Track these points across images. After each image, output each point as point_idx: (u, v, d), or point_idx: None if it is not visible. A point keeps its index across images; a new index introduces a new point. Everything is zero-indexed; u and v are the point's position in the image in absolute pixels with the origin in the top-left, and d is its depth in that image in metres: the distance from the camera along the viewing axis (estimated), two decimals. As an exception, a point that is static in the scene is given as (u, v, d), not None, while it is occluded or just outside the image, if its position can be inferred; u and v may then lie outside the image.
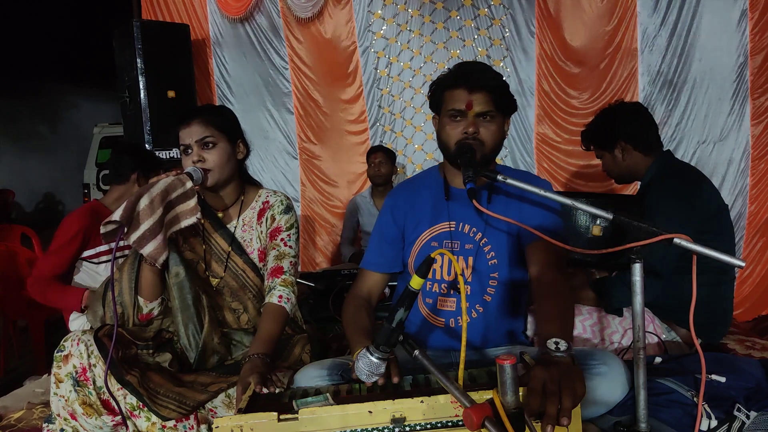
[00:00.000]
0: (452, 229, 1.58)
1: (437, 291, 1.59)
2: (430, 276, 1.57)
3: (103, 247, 2.37)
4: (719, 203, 2.05)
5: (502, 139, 1.56)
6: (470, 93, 1.47)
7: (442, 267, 1.58)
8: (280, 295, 1.63)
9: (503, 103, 1.51)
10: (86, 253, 2.33)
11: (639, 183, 2.18)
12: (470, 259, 1.56)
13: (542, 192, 1.33)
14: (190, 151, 1.66)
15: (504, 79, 1.54)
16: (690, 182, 2.01)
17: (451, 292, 1.57)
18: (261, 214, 1.77)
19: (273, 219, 1.75)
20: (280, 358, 1.67)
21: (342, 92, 3.99)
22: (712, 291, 1.91)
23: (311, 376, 1.43)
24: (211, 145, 1.66)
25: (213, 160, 1.66)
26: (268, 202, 1.78)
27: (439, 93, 1.55)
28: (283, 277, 1.67)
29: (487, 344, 1.59)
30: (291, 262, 1.71)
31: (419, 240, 1.62)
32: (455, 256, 1.54)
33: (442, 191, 1.62)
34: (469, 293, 1.56)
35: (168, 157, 3.48)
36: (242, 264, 1.74)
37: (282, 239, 1.73)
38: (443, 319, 1.58)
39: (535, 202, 1.56)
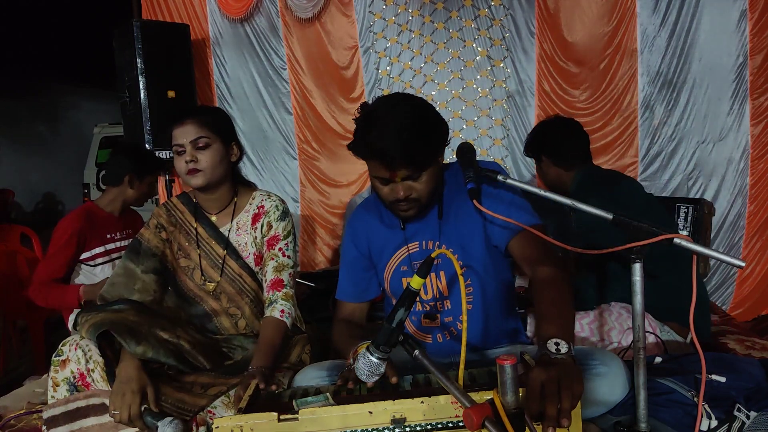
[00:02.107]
0: (418, 249, 1.56)
1: (420, 310, 1.57)
2: None
3: (99, 249, 2.38)
4: (642, 196, 2.13)
5: (440, 176, 1.51)
6: (389, 169, 1.37)
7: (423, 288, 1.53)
8: (282, 309, 1.63)
9: (428, 162, 1.40)
10: (83, 256, 2.34)
11: None
12: (442, 274, 1.54)
13: (542, 192, 1.33)
14: (182, 151, 1.64)
15: (421, 134, 1.35)
16: (608, 186, 2.09)
17: (437, 307, 1.55)
18: (256, 218, 1.75)
19: (270, 226, 1.73)
20: (280, 358, 1.67)
21: (343, 93, 3.99)
22: (678, 277, 1.91)
23: (311, 377, 1.43)
24: (204, 145, 1.64)
25: (206, 160, 1.64)
26: (263, 206, 1.76)
27: (361, 155, 1.42)
28: (285, 291, 1.66)
29: (485, 346, 1.59)
30: (290, 273, 1.70)
31: (388, 267, 1.60)
32: (429, 274, 1.44)
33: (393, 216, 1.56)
34: (450, 308, 1.54)
35: (168, 157, 3.47)
36: (238, 269, 1.72)
37: (280, 249, 1.71)
38: (430, 335, 1.58)
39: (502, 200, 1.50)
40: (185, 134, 1.63)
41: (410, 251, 1.56)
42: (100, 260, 2.38)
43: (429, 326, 1.56)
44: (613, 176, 2.25)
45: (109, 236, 2.42)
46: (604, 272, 2.06)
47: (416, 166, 1.38)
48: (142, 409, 1.39)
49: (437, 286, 1.55)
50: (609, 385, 1.31)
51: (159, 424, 1.35)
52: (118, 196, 2.44)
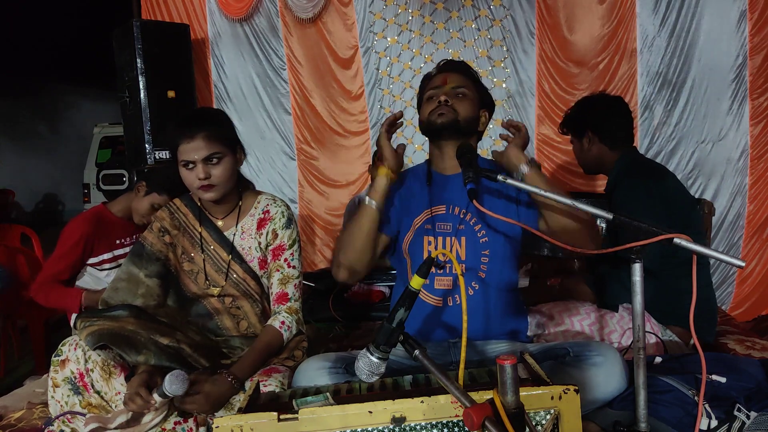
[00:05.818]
0: (443, 212, 1.64)
1: (434, 272, 1.60)
2: (425, 255, 1.62)
3: (106, 255, 2.35)
4: (686, 198, 2.09)
5: (477, 120, 1.66)
6: (445, 74, 1.67)
7: (437, 247, 1.62)
8: (282, 321, 1.63)
9: (476, 86, 1.67)
10: (90, 261, 2.32)
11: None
12: (463, 239, 1.61)
13: (542, 192, 1.33)
14: (192, 166, 1.58)
15: (479, 76, 1.73)
16: (657, 178, 2.05)
17: (447, 270, 1.59)
18: (261, 224, 1.73)
19: (275, 234, 1.71)
20: (278, 356, 1.67)
21: (343, 93, 3.99)
22: (687, 280, 1.91)
23: (315, 367, 1.45)
24: (216, 160, 1.59)
25: (219, 175, 1.60)
26: (268, 211, 1.73)
27: (423, 88, 1.73)
28: (289, 304, 1.66)
29: (490, 322, 1.60)
30: (295, 284, 1.70)
31: (414, 224, 1.66)
32: (450, 238, 1.61)
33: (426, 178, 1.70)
34: (464, 271, 1.59)
35: (168, 156, 3.47)
36: (242, 273, 1.71)
37: (285, 259, 1.70)
38: (440, 298, 1.60)
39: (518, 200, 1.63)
40: (196, 151, 1.56)
41: (434, 213, 1.64)
42: (107, 266, 2.35)
43: (442, 288, 1.60)
44: (661, 169, 2.20)
45: (118, 242, 2.37)
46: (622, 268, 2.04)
47: (467, 77, 1.66)
48: (155, 389, 1.40)
49: (456, 250, 1.61)
50: (605, 376, 1.32)
51: (165, 382, 1.35)
52: (128, 202, 2.40)
